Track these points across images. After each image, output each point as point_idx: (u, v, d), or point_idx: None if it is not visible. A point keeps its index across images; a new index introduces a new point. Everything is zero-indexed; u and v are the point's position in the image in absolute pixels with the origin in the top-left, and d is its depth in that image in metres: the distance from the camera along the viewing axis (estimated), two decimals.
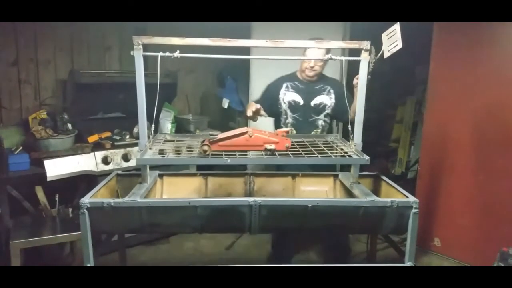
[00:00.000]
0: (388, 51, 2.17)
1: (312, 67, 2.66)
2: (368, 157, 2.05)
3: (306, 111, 2.75)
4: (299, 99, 2.75)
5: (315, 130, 2.76)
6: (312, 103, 2.75)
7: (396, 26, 2.16)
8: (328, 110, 2.75)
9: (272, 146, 2.03)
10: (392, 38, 2.21)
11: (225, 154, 2.01)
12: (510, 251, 2.22)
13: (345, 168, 3.40)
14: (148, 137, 2.11)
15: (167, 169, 2.55)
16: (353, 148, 2.15)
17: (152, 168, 2.47)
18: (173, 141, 2.39)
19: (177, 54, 1.99)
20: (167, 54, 2.00)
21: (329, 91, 2.75)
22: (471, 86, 2.82)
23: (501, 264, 2.23)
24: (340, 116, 2.81)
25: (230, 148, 2.03)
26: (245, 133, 2.04)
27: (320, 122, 2.76)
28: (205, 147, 2.01)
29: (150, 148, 2.08)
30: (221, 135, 2.05)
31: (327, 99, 2.75)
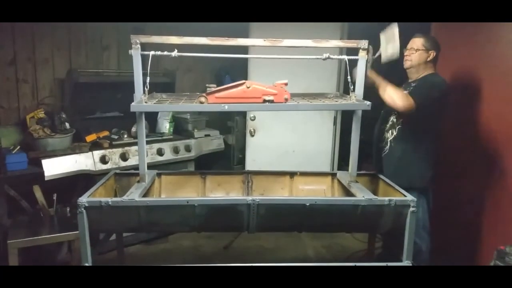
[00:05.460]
0: (386, 56, 2.17)
1: (405, 57, 2.50)
2: (369, 102, 2.03)
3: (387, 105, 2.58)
4: None
5: (384, 124, 2.59)
6: None
7: (395, 29, 2.14)
8: None
9: (271, 98, 1.99)
10: (391, 43, 2.20)
11: None
12: (507, 249, 2.23)
13: (343, 167, 3.40)
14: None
15: (165, 168, 2.56)
16: (354, 99, 2.13)
17: (150, 167, 2.47)
18: (168, 99, 2.33)
19: (175, 53, 1.99)
20: (162, 53, 1.99)
21: (412, 87, 2.44)
22: (468, 85, 2.83)
23: (498, 262, 2.23)
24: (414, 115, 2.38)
25: (227, 100, 1.98)
26: (243, 84, 1.99)
27: (391, 118, 2.54)
28: (202, 99, 1.98)
29: (145, 102, 2.04)
30: (219, 88, 2.01)
31: None
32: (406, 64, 2.51)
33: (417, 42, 2.46)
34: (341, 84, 3.66)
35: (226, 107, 1.94)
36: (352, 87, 2.13)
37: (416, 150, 2.45)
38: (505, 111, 2.59)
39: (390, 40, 2.25)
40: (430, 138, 2.45)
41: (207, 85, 2.05)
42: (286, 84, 2.05)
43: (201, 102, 1.98)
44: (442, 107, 2.42)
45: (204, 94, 1.98)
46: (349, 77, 2.12)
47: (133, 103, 1.94)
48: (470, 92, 2.80)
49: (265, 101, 1.98)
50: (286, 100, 2.03)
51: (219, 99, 1.97)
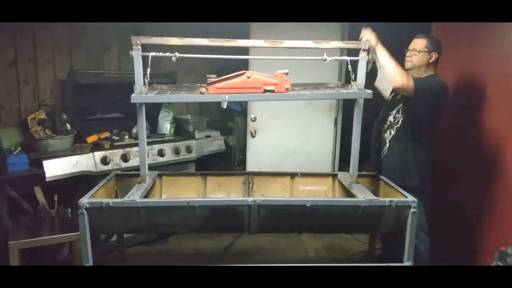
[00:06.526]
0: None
1: (406, 58, 2.49)
2: (371, 91, 2.02)
3: (387, 105, 2.61)
4: (390, 94, 2.61)
5: (382, 124, 2.58)
6: (395, 98, 2.57)
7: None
8: (400, 105, 2.49)
9: (271, 88, 1.99)
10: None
11: None
12: (508, 250, 2.22)
13: (344, 168, 3.40)
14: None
15: (166, 169, 2.56)
16: (355, 88, 2.12)
17: (151, 168, 2.47)
18: (168, 90, 2.30)
19: (174, 55, 1.98)
20: (158, 53, 1.99)
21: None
22: (468, 85, 2.82)
23: (500, 264, 2.23)
24: (411, 110, 2.42)
25: (228, 90, 1.98)
26: (243, 74, 1.98)
27: (389, 118, 2.53)
28: (203, 89, 1.97)
29: (146, 93, 2.02)
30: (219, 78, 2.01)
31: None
32: (407, 65, 2.48)
33: (419, 44, 2.44)
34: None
35: (226, 97, 1.95)
36: (353, 76, 2.12)
37: (414, 150, 2.44)
38: (505, 111, 2.59)
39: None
40: (427, 138, 2.44)
41: (207, 75, 2.04)
42: (286, 73, 2.04)
43: (202, 93, 1.97)
44: (441, 107, 2.41)
45: (204, 85, 1.98)
46: (349, 66, 2.11)
47: (133, 94, 1.93)
48: (470, 93, 2.80)
49: (265, 91, 1.97)
50: (287, 89, 2.01)
51: (220, 90, 1.97)
